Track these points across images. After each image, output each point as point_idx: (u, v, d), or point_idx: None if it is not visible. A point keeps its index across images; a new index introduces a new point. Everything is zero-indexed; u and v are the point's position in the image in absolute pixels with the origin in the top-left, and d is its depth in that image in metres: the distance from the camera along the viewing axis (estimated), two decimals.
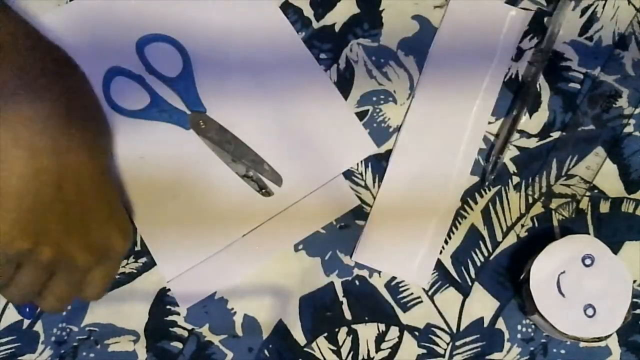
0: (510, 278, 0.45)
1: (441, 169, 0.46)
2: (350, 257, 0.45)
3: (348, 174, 0.46)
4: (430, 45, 0.48)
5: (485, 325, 0.44)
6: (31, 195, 0.34)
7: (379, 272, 0.45)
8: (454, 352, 0.44)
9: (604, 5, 0.49)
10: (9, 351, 0.45)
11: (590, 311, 0.40)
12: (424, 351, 0.44)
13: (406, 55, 0.48)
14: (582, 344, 0.43)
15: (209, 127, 0.47)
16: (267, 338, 0.45)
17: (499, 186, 0.46)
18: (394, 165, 0.46)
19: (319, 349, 0.44)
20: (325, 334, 0.45)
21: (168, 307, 0.45)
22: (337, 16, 0.49)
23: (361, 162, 0.47)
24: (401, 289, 0.45)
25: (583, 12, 0.49)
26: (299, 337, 0.45)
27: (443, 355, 0.44)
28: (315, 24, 0.49)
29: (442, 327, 0.44)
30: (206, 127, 0.47)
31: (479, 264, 0.45)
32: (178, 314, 0.45)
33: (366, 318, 0.45)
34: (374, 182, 0.46)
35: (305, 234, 0.46)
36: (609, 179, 0.46)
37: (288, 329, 0.45)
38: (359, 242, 0.45)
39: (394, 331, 0.44)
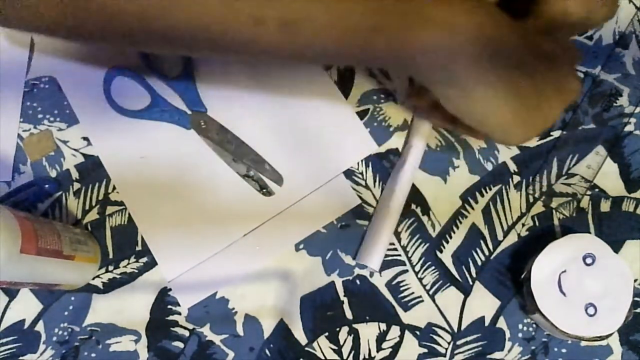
0: (511, 277, 0.45)
1: None
2: (354, 258, 0.45)
3: (349, 173, 0.46)
4: None
5: (486, 324, 0.44)
6: None
7: (380, 272, 0.45)
8: (455, 352, 0.44)
9: None
10: (11, 351, 0.45)
11: (591, 310, 0.40)
12: (425, 350, 0.44)
13: None
14: (583, 343, 0.43)
15: (210, 127, 0.47)
16: (268, 338, 0.45)
17: (500, 185, 0.46)
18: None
19: (320, 348, 0.44)
20: (327, 334, 0.45)
21: (169, 306, 0.45)
22: None
23: (362, 161, 0.47)
24: (402, 289, 0.45)
25: None
26: (300, 336, 0.45)
27: (444, 355, 0.44)
28: None
29: (443, 326, 0.44)
30: (207, 127, 0.47)
31: (479, 263, 0.45)
32: (179, 313, 0.45)
33: (367, 317, 0.45)
34: (374, 181, 0.46)
35: (306, 234, 0.46)
36: (610, 178, 0.46)
37: (289, 328, 0.45)
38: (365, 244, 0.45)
39: (395, 330, 0.44)
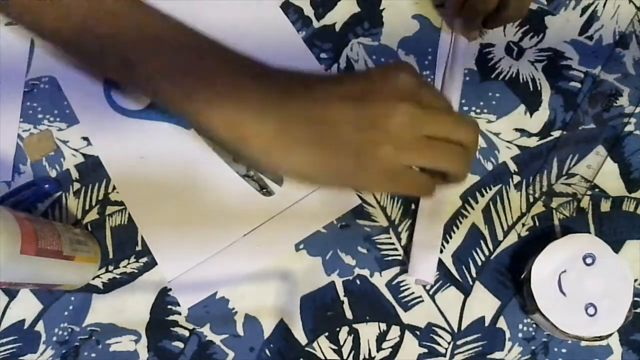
0: (511, 277, 0.45)
1: None
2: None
3: None
4: (431, 45, 0.48)
5: (487, 324, 0.44)
6: None
7: (380, 272, 0.45)
8: (455, 352, 0.44)
9: (605, 4, 0.49)
10: (11, 351, 0.45)
11: (591, 310, 0.40)
12: (425, 350, 0.44)
13: (406, 55, 0.48)
14: (583, 343, 0.43)
15: None
16: (268, 338, 0.45)
17: (500, 185, 0.46)
18: None
19: (320, 348, 0.44)
20: (327, 334, 0.45)
21: (169, 306, 0.45)
22: (338, 15, 0.49)
23: None
24: (402, 288, 0.45)
25: (583, 11, 0.49)
26: (300, 336, 0.45)
27: (444, 355, 0.44)
28: (316, 23, 0.49)
29: (443, 326, 0.44)
30: None
31: (480, 263, 0.45)
32: (179, 313, 0.45)
33: (367, 317, 0.45)
34: None
35: (306, 234, 0.46)
36: (610, 178, 0.46)
37: (289, 328, 0.45)
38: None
39: (395, 330, 0.44)
